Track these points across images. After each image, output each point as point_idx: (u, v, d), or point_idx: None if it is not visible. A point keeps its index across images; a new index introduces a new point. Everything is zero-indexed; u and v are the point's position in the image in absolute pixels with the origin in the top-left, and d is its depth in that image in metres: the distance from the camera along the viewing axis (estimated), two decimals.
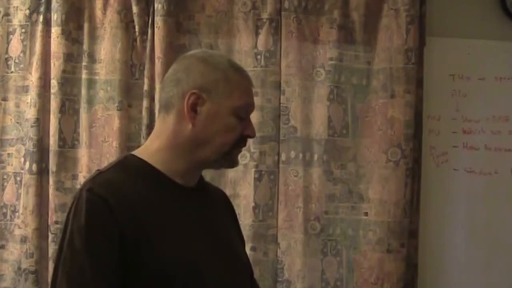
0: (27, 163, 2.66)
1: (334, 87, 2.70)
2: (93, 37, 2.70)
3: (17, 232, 2.67)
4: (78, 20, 2.70)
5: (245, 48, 2.71)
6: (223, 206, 1.62)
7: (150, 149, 1.46)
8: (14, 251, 2.67)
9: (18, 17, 2.72)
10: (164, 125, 1.45)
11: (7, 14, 2.73)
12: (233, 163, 1.49)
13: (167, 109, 1.44)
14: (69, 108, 2.70)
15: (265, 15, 2.71)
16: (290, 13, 2.69)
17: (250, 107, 1.48)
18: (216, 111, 1.42)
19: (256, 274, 1.70)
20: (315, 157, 2.70)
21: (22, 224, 2.66)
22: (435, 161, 2.80)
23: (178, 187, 1.43)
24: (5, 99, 2.72)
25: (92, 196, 1.32)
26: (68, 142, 2.69)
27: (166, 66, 2.52)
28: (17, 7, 2.72)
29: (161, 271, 1.32)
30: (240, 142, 1.46)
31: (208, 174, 2.08)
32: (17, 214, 2.68)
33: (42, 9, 2.70)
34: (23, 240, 2.65)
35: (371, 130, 2.71)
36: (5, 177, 2.72)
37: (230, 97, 1.42)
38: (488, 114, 2.81)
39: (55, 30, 2.67)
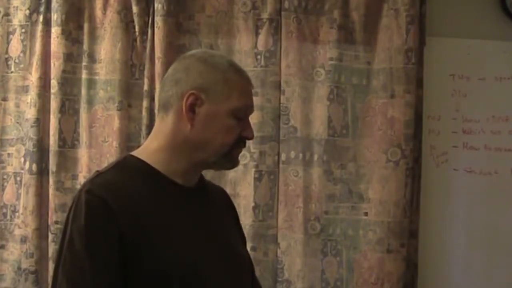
0: (27, 163, 2.66)
1: (334, 87, 2.70)
2: (93, 37, 2.70)
3: (17, 232, 2.67)
4: (78, 20, 2.70)
5: (245, 48, 2.71)
6: (224, 205, 1.62)
7: (149, 149, 1.45)
8: (14, 251, 2.67)
9: (18, 17, 2.72)
10: (163, 125, 1.45)
11: (7, 14, 2.73)
12: (234, 164, 1.48)
13: (166, 109, 1.44)
14: (69, 108, 2.70)
15: (265, 15, 2.70)
16: (290, 13, 2.69)
17: (249, 108, 1.47)
18: (214, 112, 1.41)
19: (256, 274, 1.70)
20: (315, 157, 2.70)
21: (22, 224, 2.66)
22: (435, 161, 2.80)
23: (177, 187, 1.43)
24: (5, 99, 2.73)
25: (91, 197, 1.32)
26: (68, 142, 2.69)
27: (166, 66, 2.52)
28: (17, 7, 2.72)
29: (161, 271, 1.32)
30: (239, 143, 1.45)
31: (208, 174, 2.07)
32: (17, 214, 2.69)
33: (42, 9, 2.70)
34: (23, 240, 2.65)
35: (371, 130, 2.71)
36: (5, 177, 2.72)
37: (229, 98, 1.42)
38: (488, 114, 2.81)
39: (55, 30, 2.67)
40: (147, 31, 2.69)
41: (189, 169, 1.45)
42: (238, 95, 1.43)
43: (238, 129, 1.43)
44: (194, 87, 1.41)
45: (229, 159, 1.45)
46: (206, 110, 1.41)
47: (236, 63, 1.48)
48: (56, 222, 2.62)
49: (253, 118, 2.63)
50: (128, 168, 1.42)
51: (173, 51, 2.64)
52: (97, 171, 1.44)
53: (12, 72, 2.73)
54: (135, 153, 1.47)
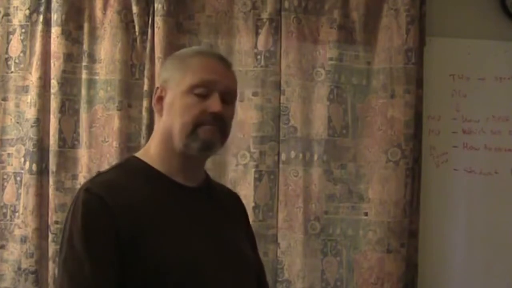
0: (27, 163, 2.66)
1: (334, 87, 2.70)
2: (93, 37, 2.70)
3: (17, 232, 2.67)
4: (78, 20, 2.70)
5: (245, 48, 2.71)
6: (232, 207, 1.60)
7: (149, 150, 1.48)
8: (14, 251, 2.67)
9: (18, 17, 2.72)
10: (156, 125, 1.50)
11: (7, 14, 2.73)
12: (201, 142, 1.40)
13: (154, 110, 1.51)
14: (69, 108, 2.70)
15: (265, 15, 2.70)
16: (290, 13, 2.69)
17: (210, 83, 1.41)
18: (174, 96, 1.44)
19: None
20: (315, 157, 2.70)
21: (22, 224, 2.66)
22: (435, 161, 2.80)
23: (178, 187, 1.43)
24: (5, 99, 2.72)
25: (89, 195, 1.33)
26: (68, 142, 2.69)
27: None
28: (17, 7, 2.72)
29: (156, 270, 1.31)
30: (205, 120, 1.40)
31: None
32: (17, 214, 2.68)
33: (42, 9, 2.70)
34: (23, 240, 2.65)
35: (371, 130, 2.71)
36: (5, 177, 2.72)
37: (183, 78, 1.43)
38: (488, 114, 2.81)
39: (55, 30, 2.67)
40: (147, 31, 2.69)
41: (184, 164, 1.44)
42: (193, 72, 1.42)
43: (199, 106, 1.40)
44: (160, 82, 1.49)
45: (195, 139, 1.40)
46: (168, 98, 1.45)
47: (207, 49, 1.52)
48: (56, 222, 2.61)
49: (253, 118, 2.68)
50: (129, 169, 1.44)
51: (173, 51, 2.59)
52: (99, 171, 1.45)
53: (12, 72, 2.73)
54: (138, 154, 1.49)
